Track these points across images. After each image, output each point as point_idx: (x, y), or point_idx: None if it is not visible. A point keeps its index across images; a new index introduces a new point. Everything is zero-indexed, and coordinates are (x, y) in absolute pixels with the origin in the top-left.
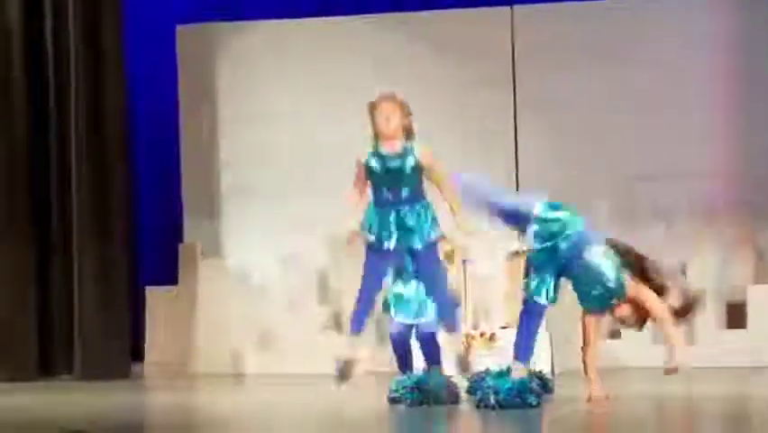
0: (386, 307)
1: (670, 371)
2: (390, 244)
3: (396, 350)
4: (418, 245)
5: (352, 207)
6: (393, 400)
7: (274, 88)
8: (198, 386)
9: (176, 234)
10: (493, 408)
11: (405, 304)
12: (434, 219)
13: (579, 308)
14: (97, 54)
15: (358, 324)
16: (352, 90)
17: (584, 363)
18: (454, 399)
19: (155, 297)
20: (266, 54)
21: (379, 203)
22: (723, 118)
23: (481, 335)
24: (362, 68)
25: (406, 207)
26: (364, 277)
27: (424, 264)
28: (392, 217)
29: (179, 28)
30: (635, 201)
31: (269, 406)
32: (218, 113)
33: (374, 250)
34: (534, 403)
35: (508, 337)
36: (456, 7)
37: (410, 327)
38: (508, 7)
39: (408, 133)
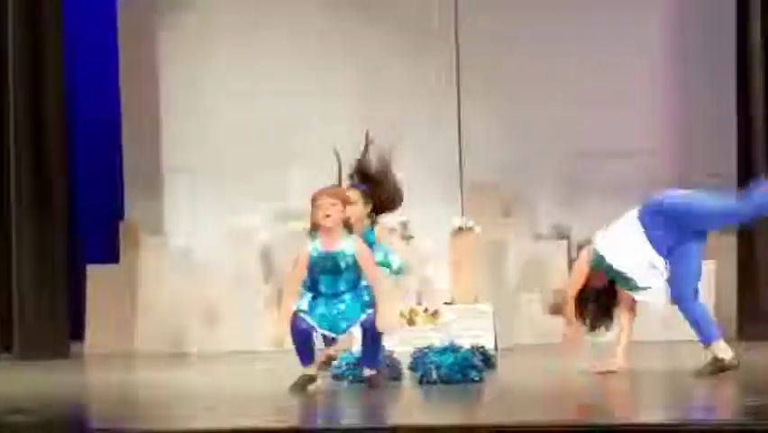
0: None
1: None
2: (321, 330)
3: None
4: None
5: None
6: (336, 377)
7: (216, 65)
8: (140, 365)
9: (118, 211)
10: (435, 383)
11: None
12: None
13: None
14: (36, 28)
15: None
16: (294, 66)
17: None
18: (396, 375)
19: (96, 275)
20: (208, 30)
21: (313, 291)
22: (664, 95)
23: (425, 310)
24: (303, 42)
25: (343, 299)
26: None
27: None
28: (326, 310)
29: (121, 2)
30: (577, 177)
31: (212, 383)
32: (159, 89)
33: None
34: (477, 378)
35: (452, 313)
36: None
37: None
38: None
39: (347, 226)
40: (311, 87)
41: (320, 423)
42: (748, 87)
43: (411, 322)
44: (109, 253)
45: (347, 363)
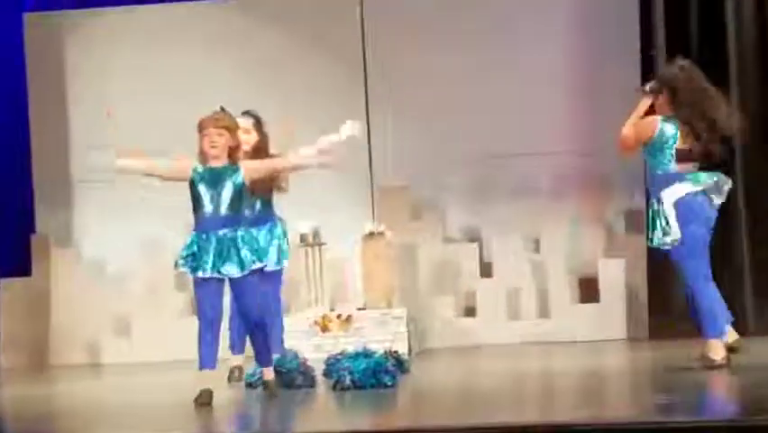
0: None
1: None
2: (205, 272)
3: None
4: (236, 273)
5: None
6: (250, 385)
7: (124, 75)
8: (54, 377)
9: (29, 224)
10: (348, 388)
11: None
12: (258, 250)
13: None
14: None
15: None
16: (204, 74)
17: None
18: (310, 381)
19: (8, 288)
20: (114, 41)
21: (200, 225)
22: (573, 96)
23: (338, 317)
24: (213, 51)
25: (226, 230)
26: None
27: (241, 293)
28: (212, 243)
29: (27, 16)
30: (488, 177)
31: (125, 394)
32: (67, 100)
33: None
34: (390, 383)
35: (364, 320)
36: None
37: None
38: None
39: (233, 154)
40: (219, 96)
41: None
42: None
43: (324, 328)
44: (21, 267)
45: (260, 371)
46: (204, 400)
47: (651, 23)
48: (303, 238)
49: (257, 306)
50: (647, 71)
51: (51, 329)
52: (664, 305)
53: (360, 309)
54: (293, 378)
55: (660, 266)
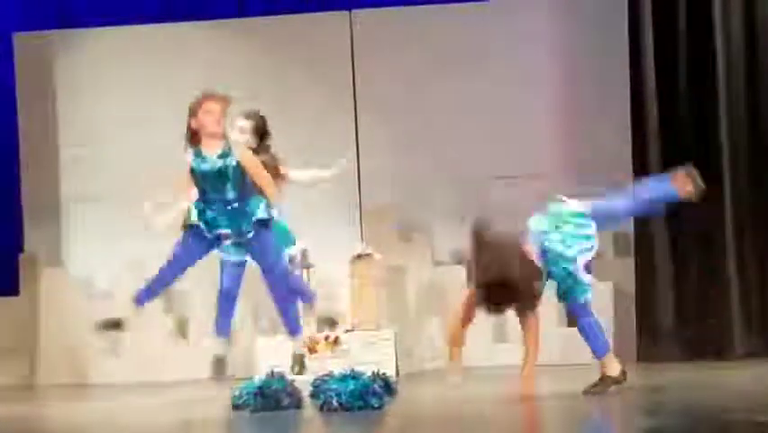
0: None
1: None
2: (219, 230)
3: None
4: (248, 228)
5: (176, 191)
6: (237, 407)
7: (114, 95)
8: (42, 397)
9: (17, 243)
10: (335, 410)
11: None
12: (268, 206)
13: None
14: None
15: (147, 297)
16: (192, 94)
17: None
18: (297, 403)
19: None
20: (106, 61)
21: (206, 201)
22: (563, 120)
23: (326, 338)
24: (204, 73)
25: (235, 205)
26: (174, 255)
27: (256, 248)
28: (220, 212)
29: (16, 36)
30: (476, 201)
31: (113, 415)
32: (57, 119)
33: (195, 234)
34: (377, 405)
35: (352, 341)
36: (295, 12)
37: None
38: (347, 11)
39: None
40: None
41: None
42: (642, 110)
43: (312, 350)
44: (9, 286)
45: (248, 393)
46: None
47: (639, 48)
48: (291, 260)
49: (282, 261)
50: (636, 97)
51: (39, 349)
52: (652, 328)
53: (348, 331)
54: (279, 399)
55: (648, 288)
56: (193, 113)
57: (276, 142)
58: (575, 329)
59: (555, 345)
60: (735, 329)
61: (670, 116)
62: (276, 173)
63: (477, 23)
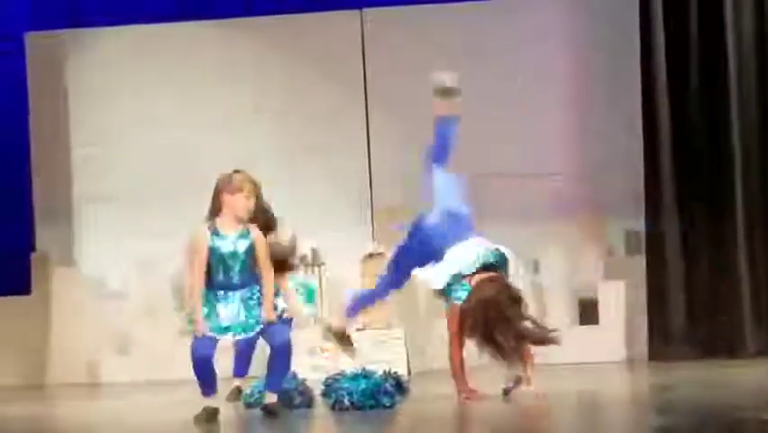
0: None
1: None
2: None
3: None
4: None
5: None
6: (249, 405)
7: (125, 94)
8: (52, 396)
9: (29, 242)
10: (347, 409)
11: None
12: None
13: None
14: None
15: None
16: (205, 95)
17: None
18: (309, 402)
19: (8, 307)
20: (118, 60)
21: (213, 286)
22: (575, 119)
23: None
24: (213, 72)
25: (238, 293)
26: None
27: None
28: (225, 304)
29: (28, 36)
30: (488, 199)
31: (124, 414)
32: (69, 119)
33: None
34: (388, 404)
35: (363, 340)
36: (306, 11)
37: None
38: (358, 10)
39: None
40: (220, 116)
41: None
42: (653, 109)
43: (323, 349)
44: (21, 285)
45: (259, 392)
46: (206, 417)
47: (650, 47)
48: (302, 258)
49: (287, 334)
50: (647, 96)
51: (50, 348)
52: (664, 327)
53: (359, 330)
54: (291, 398)
55: (659, 288)
56: (223, 190)
57: (287, 142)
58: (588, 327)
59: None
60: (746, 327)
61: (681, 115)
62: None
63: (488, 21)
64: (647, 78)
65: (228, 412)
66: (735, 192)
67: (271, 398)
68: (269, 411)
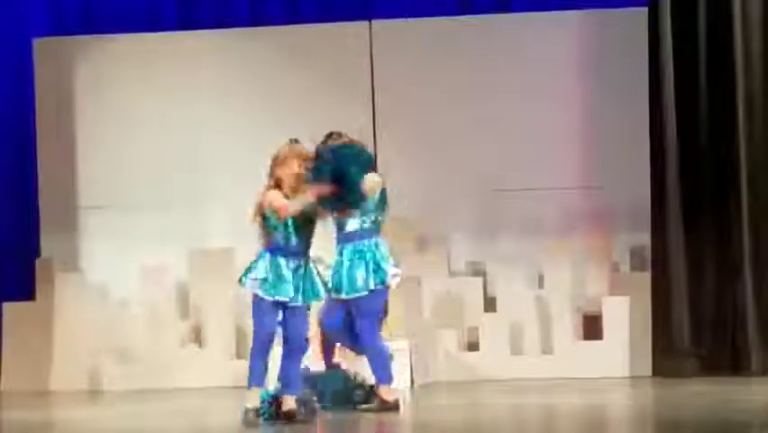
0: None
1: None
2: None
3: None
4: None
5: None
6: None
7: (132, 102)
8: (55, 402)
9: (34, 249)
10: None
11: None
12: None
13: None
14: None
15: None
16: (212, 104)
17: None
18: (311, 412)
19: (12, 312)
20: (124, 68)
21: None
22: (580, 133)
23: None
24: (222, 81)
25: (301, 260)
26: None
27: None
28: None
29: (36, 41)
30: (494, 211)
31: (125, 422)
32: (75, 126)
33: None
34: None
35: None
36: (315, 22)
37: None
38: (367, 22)
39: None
40: (226, 125)
41: None
42: (660, 127)
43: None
44: (25, 291)
45: (262, 402)
46: (251, 419)
47: (659, 67)
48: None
49: (306, 332)
50: (654, 107)
51: (54, 354)
52: (668, 343)
53: None
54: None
55: (663, 303)
56: (280, 162)
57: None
58: (592, 342)
59: (574, 359)
60: (751, 344)
61: (688, 132)
62: None
63: (497, 37)
64: (655, 98)
65: (231, 421)
66: (741, 210)
67: (290, 403)
68: (288, 418)
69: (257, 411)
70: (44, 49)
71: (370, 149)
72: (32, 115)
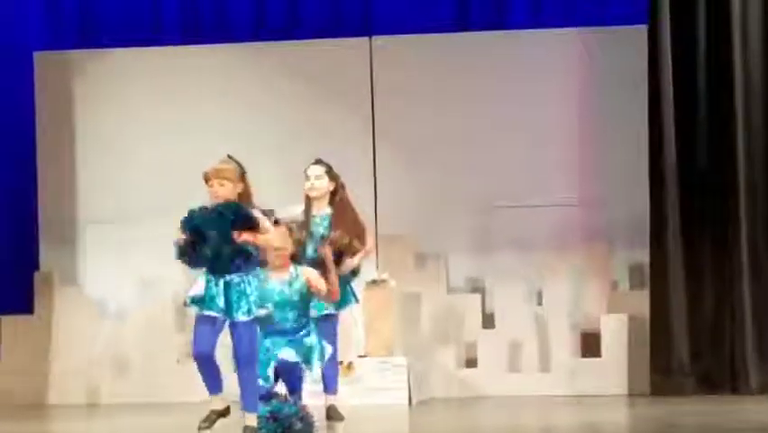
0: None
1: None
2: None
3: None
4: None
5: None
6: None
7: (132, 116)
8: (53, 416)
9: (32, 262)
10: None
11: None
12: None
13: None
14: None
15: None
16: (211, 119)
17: None
18: (309, 428)
19: (10, 325)
20: (124, 82)
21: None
22: (579, 150)
23: (339, 363)
24: (221, 96)
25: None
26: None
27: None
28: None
29: (37, 55)
30: (492, 228)
31: None
32: (75, 139)
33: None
34: None
35: (366, 367)
36: (314, 37)
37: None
38: (367, 38)
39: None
40: (225, 140)
41: None
42: (659, 143)
43: None
44: (24, 304)
45: (260, 417)
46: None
47: (659, 76)
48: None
49: (254, 349)
50: (654, 130)
51: (52, 368)
52: (666, 361)
53: (360, 357)
54: (291, 424)
55: (662, 321)
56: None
57: (294, 169)
58: (590, 360)
59: (572, 376)
60: (749, 363)
61: (687, 148)
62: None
63: (497, 53)
64: (654, 113)
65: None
66: (740, 228)
67: (251, 420)
68: None
69: (254, 430)
70: (44, 62)
71: (369, 164)
72: (31, 128)
